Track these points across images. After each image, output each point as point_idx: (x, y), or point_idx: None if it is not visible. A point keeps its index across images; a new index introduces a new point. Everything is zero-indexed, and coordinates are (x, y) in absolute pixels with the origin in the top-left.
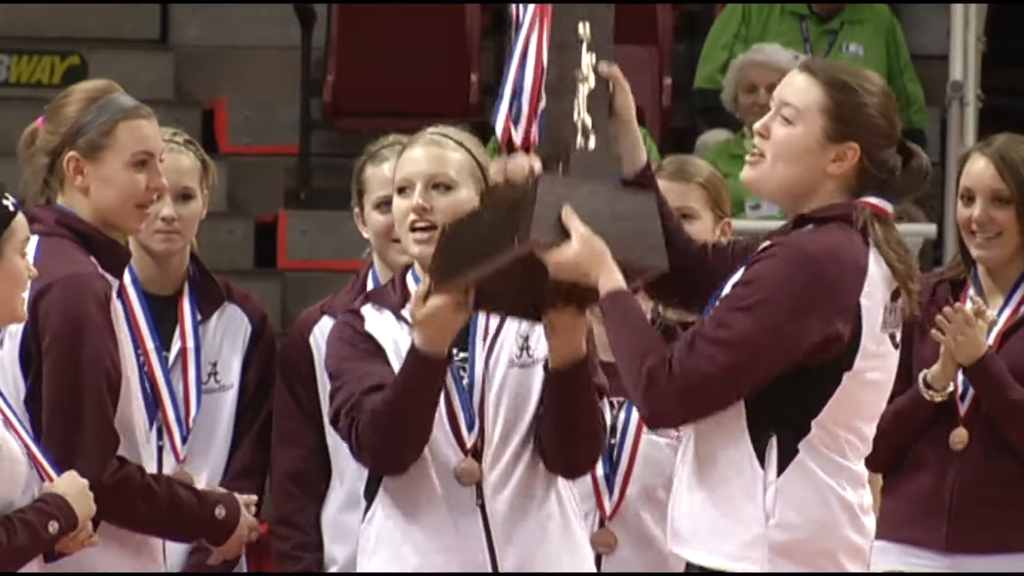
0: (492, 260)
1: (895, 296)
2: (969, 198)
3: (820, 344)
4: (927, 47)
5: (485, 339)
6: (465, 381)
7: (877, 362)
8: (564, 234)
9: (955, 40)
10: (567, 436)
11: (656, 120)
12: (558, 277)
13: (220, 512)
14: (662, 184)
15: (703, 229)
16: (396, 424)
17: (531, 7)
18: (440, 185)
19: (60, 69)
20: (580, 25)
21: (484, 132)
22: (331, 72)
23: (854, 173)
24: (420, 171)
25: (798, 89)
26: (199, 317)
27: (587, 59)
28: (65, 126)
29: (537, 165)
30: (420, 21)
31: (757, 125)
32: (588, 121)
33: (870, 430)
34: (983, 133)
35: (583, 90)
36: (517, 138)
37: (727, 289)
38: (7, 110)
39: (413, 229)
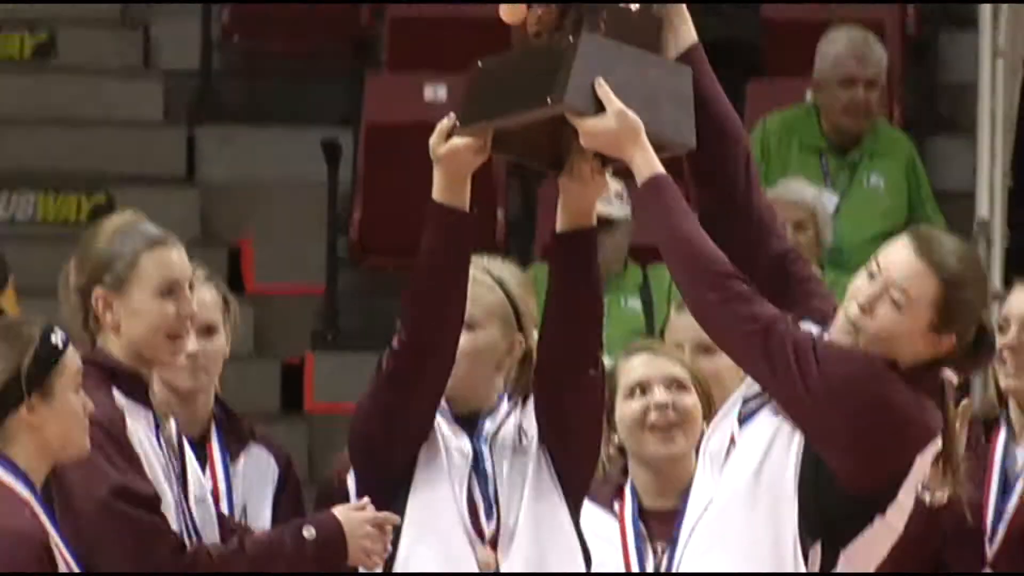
0: (520, 113)
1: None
2: (1005, 327)
3: (849, 470)
4: (951, 184)
5: (491, 435)
6: (482, 472)
7: (902, 516)
8: (598, 103)
9: (981, 177)
10: (565, 320)
11: None
12: (589, 146)
13: (309, 532)
14: (684, 315)
15: (724, 361)
16: (428, 285)
17: None
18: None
19: (86, 207)
20: None
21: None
22: (357, 209)
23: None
24: None
25: (913, 276)
26: (227, 458)
27: None
28: (91, 263)
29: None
30: None
31: (861, 300)
32: None
33: None
34: (1009, 271)
35: None
36: None
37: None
38: (33, 248)
39: None
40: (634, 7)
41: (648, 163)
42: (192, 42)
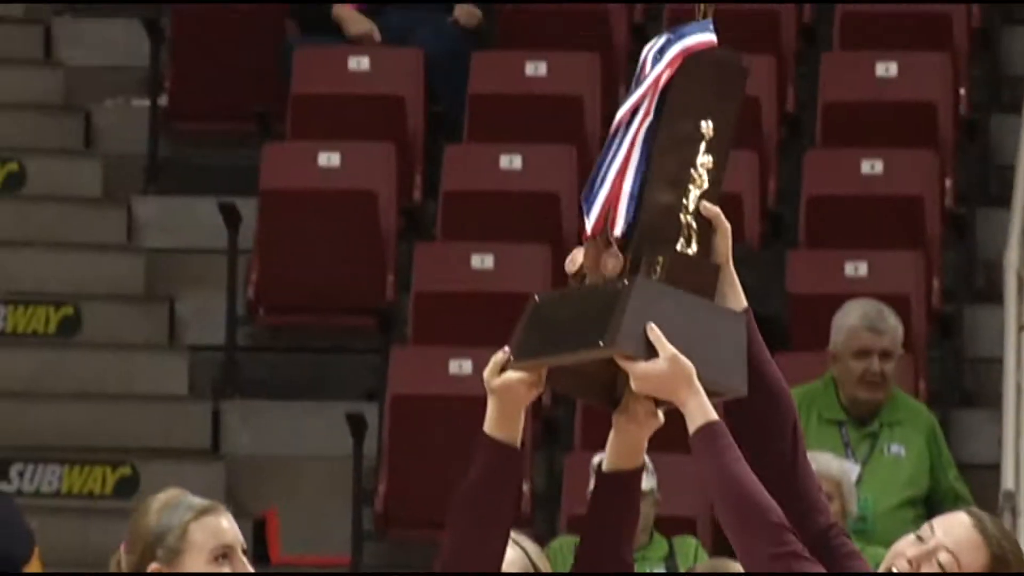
0: (572, 353)
1: None
2: None
3: None
4: (977, 456)
5: None
6: None
7: None
8: (650, 347)
9: (1007, 449)
10: (599, 549)
11: (708, 529)
12: (640, 391)
13: None
14: None
15: None
16: (470, 518)
17: (654, 75)
18: None
19: (112, 479)
20: (704, 121)
21: (539, 541)
22: (383, 482)
23: None
24: None
25: (967, 544)
26: None
27: (705, 159)
28: (143, 541)
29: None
30: (470, 430)
31: (910, 554)
32: (694, 224)
33: None
34: None
35: (694, 192)
36: (588, 225)
37: None
38: (59, 521)
39: None
40: (691, 252)
41: (702, 409)
42: (217, 317)
